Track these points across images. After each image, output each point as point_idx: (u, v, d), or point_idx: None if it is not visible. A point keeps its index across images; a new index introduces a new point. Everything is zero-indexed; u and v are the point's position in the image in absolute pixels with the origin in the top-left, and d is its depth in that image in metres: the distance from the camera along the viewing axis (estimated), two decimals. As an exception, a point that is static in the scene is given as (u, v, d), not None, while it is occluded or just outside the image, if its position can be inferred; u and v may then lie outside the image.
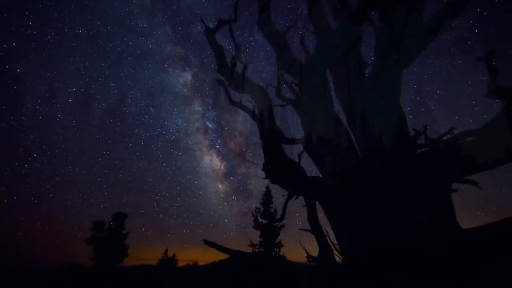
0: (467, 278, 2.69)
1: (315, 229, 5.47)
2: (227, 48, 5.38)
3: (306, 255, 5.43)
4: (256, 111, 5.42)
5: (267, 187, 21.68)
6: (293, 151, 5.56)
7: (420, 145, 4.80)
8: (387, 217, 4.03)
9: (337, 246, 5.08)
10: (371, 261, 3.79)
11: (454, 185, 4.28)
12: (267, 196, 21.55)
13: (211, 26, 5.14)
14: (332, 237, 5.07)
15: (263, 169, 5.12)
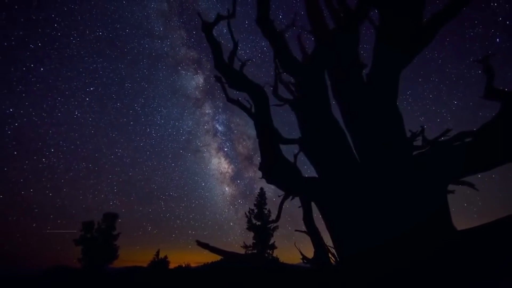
0: (466, 279, 2.67)
1: (311, 230, 5.43)
2: (225, 44, 5.28)
3: (301, 256, 5.39)
4: (253, 110, 5.34)
5: (261, 189, 21.63)
6: (291, 151, 5.51)
7: (417, 147, 4.83)
8: (383, 218, 4.00)
9: (332, 248, 5.05)
10: (367, 262, 3.74)
11: (450, 187, 4.30)
12: (261, 198, 21.49)
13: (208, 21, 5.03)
14: (327, 239, 5.04)
15: (259, 169, 5.05)
